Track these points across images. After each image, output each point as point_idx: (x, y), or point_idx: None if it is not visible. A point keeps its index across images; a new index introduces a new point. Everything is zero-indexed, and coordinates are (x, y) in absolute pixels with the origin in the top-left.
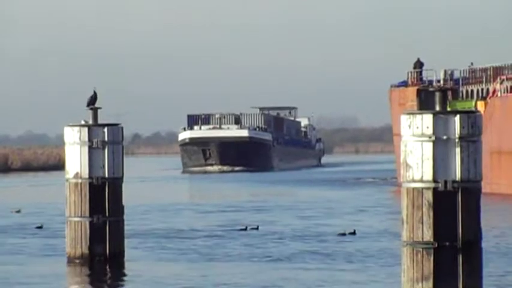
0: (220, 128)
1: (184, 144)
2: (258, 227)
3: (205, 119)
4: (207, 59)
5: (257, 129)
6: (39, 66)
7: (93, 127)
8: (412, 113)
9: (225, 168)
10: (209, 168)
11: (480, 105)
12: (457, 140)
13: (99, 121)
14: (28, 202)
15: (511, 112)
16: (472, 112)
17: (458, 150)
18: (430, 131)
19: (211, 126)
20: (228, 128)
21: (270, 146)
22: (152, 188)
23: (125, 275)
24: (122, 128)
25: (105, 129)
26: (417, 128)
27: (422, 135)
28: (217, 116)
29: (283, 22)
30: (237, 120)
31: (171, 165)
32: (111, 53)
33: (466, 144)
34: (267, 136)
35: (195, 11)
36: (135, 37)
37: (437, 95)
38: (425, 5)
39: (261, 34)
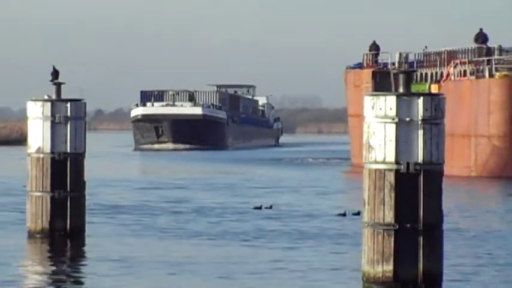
0: (173, 105)
1: (137, 120)
2: (271, 206)
3: (159, 96)
4: (174, 34)
5: (211, 106)
6: (3, 39)
7: (56, 102)
8: (376, 95)
9: (178, 146)
10: (161, 145)
11: (434, 89)
12: (420, 122)
13: (63, 96)
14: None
15: (464, 96)
16: (436, 95)
17: (421, 132)
18: (393, 113)
19: (164, 103)
20: (182, 106)
21: (224, 124)
22: (101, 164)
23: (85, 250)
24: (85, 104)
25: (68, 105)
26: (380, 109)
27: (386, 116)
28: (170, 92)
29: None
30: (191, 98)
31: (125, 142)
32: (75, 27)
33: (429, 127)
34: (222, 114)
35: None
36: (96, 12)
37: (401, 77)
38: None
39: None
